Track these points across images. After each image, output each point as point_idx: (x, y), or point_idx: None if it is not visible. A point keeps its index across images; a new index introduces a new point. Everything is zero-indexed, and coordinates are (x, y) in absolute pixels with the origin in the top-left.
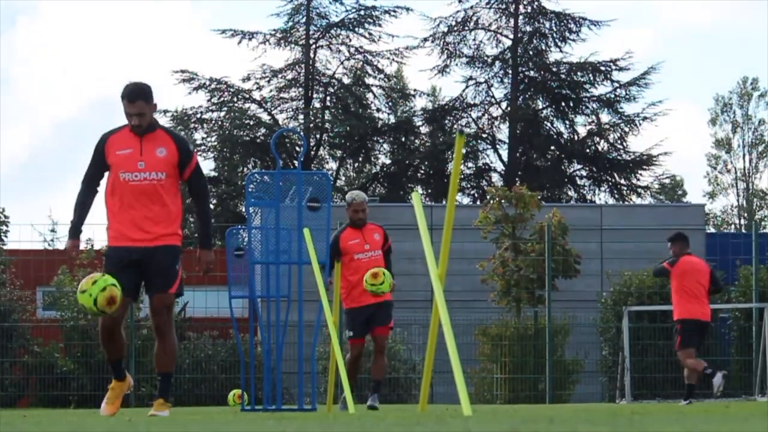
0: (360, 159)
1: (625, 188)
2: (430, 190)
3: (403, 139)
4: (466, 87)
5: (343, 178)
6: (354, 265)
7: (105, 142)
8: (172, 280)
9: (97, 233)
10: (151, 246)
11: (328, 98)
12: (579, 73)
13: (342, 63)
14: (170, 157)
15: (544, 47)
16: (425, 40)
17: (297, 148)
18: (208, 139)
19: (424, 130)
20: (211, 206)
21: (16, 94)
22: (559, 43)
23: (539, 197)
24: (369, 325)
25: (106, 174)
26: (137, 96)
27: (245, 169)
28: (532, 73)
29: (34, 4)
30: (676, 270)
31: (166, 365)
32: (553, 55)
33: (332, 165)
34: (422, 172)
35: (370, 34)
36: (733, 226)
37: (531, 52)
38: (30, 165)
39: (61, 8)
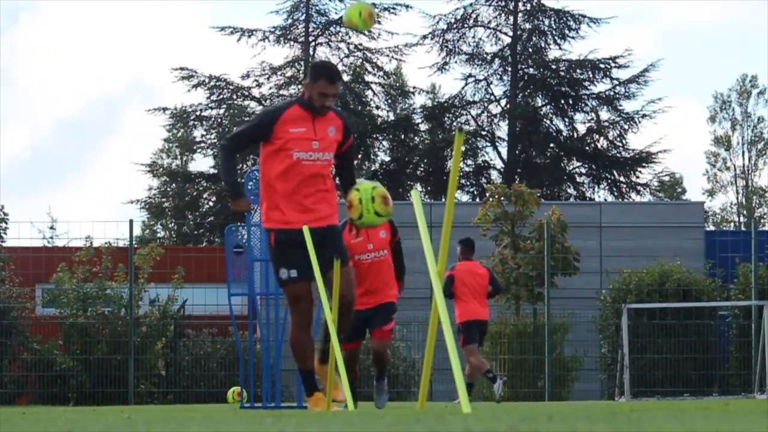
0: (359, 156)
1: (625, 186)
2: (429, 188)
3: (403, 137)
4: (466, 84)
5: None
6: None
7: (279, 116)
8: (347, 255)
9: (96, 230)
10: (323, 226)
11: None
12: (578, 71)
13: (341, 60)
14: (337, 136)
15: (543, 45)
16: (425, 37)
17: None
18: (208, 136)
19: (423, 127)
20: (211, 202)
21: (17, 92)
22: (558, 41)
23: (538, 195)
24: (367, 327)
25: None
26: (337, 76)
27: (245, 167)
28: (531, 70)
29: (37, 3)
30: (454, 274)
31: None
32: (553, 53)
33: None
34: (422, 169)
35: (369, 31)
36: (732, 224)
37: (530, 50)
38: (30, 163)
39: (64, 6)
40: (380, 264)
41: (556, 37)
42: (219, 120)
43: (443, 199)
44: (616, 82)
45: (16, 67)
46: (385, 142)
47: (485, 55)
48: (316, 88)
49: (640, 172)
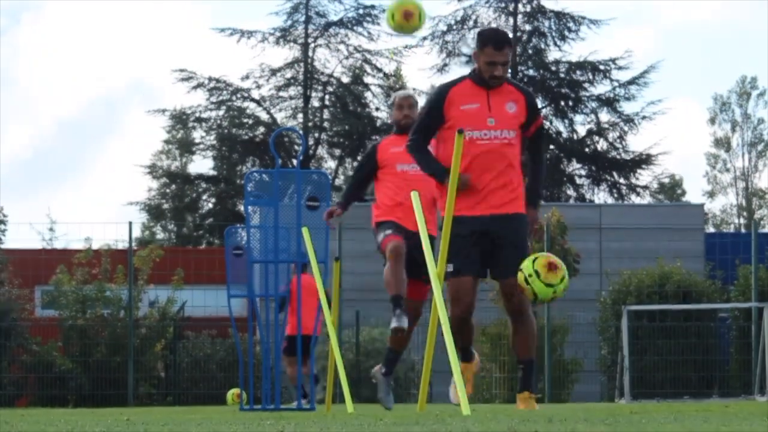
0: (359, 158)
1: (625, 187)
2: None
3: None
4: None
5: (342, 177)
6: (396, 180)
7: (446, 93)
8: (527, 251)
9: (95, 232)
10: (498, 214)
11: (327, 97)
12: (578, 72)
13: (341, 62)
14: (519, 114)
15: (543, 46)
16: (424, 38)
17: (296, 147)
18: (207, 137)
19: None
20: (211, 204)
21: (18, 93)
22: (558, 42)
23: None
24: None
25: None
26: (505, 42)
27: (244, 168)
28: (531, 72)
29: (39, 3)
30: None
31: (528, 350)
32: (553, 54)
33: (331, 164)
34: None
35: (369, 32)
36: (732, 226)
37: (530, 51)
38: (30, 164)
39: (66, 7)
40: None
41: (556, 39)
42: (218, 121)
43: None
44: (616, 83)
45: (18, 67)
46: None
47: None
48: (483, 57)
49: (640, 173)
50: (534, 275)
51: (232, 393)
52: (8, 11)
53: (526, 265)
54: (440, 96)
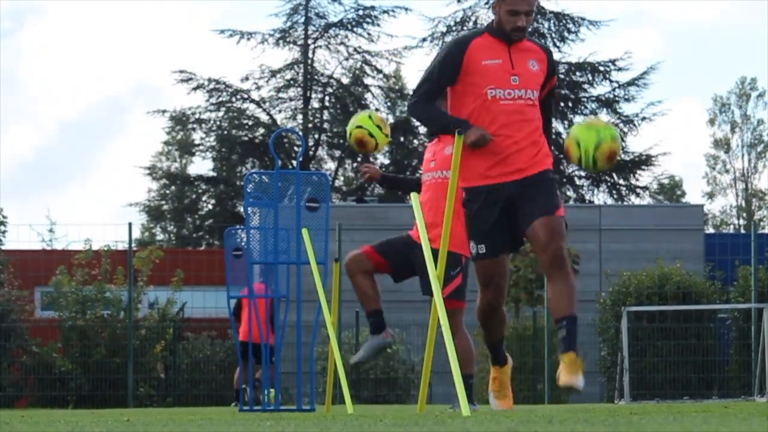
0: (359, 159)
1: (624, 188)
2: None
3: (402, 139)
4: None
5: (342, 179)
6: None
7: (467, 45)
8: (558, 203)
9: (95, 233)
10: (520, 178)
11: (327, 98)
12: (578, 73)
13: (341, 63)
14: (541, 73)
15: None
16: (424, 40)
17: (296, 148)
18: (207, 139)
19: (422, 130)
20: (211, 205)
21: (20, 94)
22: (558, 43)
23: None
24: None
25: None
26: None
27: (244, 169)
28: None
29: (44, 4)
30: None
31: (569, 305)
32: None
33: (331, 165)
34: (421, 172)
35: (368, 34)
36: (732, 227)
37: None
38: (30, 165)
39: (68, 9)
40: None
41: (556, 40)
42: (218, 123)
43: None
44: (615, 84)
45: (20, 68)
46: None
47: None
48: (504, 6)
49: (639, 174)
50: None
51: (270, 392)
52: (11, 14)
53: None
54: (460, 47)
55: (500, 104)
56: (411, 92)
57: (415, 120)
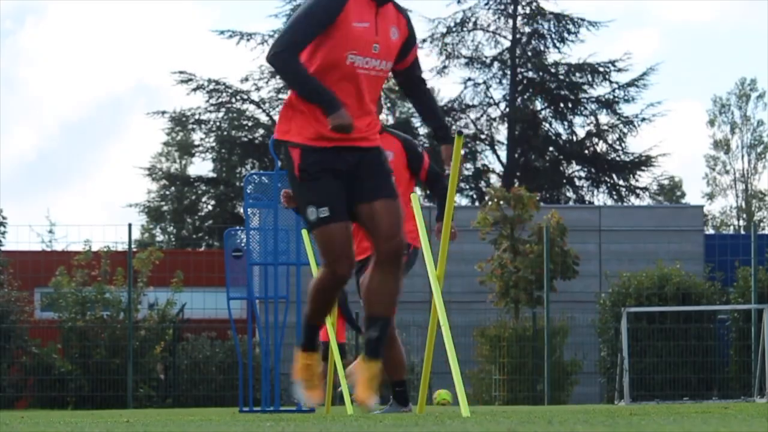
0: None
1: (624, 189)
2: (428, 191)
3: None
4: (465, 88)
5: None
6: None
7: (346, 1)
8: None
9: (95, 234)
10: (363, 146)
11: None
12: (578, 74)
13: None
14: (398, 43)
15: (542, 48)
16: (424, 40)
17: None
18: (207, 140)
19: (422, 131)
20: (210, 206)
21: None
22: (557, 44)
23: (538, 198)
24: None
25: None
26: None
27: (243, 170)
28: (530, 74)
29: (44, 4)
30: None
31: (388, 308)
32: (552, 56)
33: None
34: None
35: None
36: (731, 227)
37: (529, 53)
38: (31, 166)
39: (69, 9)
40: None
41: (556, 41)
42: (218, 123)
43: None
44: (615, 85)
45: (21, 69)
46: None
47: (484, 59)
48: None
49: (639, 175)
50: None
51: (438, 394)
52: (12, 14)
53: None
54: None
55: (356, 72)
56: (273, 40)
57: (276, 71)
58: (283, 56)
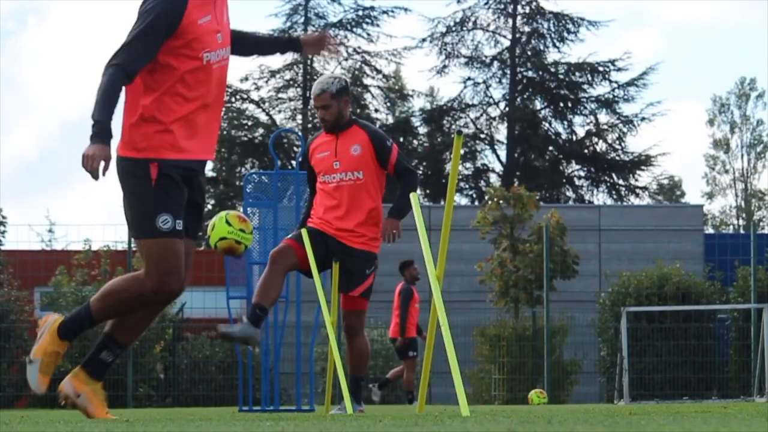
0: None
1: (624, 189)
2: (428, 191)
3: (401, 140)
4: (465, 87)
5: None
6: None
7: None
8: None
9: (95, 233)
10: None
11: None
12: (577, 74)
13: (340, 63)
14: (227, 18)
15: (542, 48)
16: (423, 40)
17: (295, 149)
18: None
19: (422, 130)
20: (210, 205)
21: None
22: (557, 44)
23: (537, 198)
24: (327, 259)
25: None
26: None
27: (243, 170)
28: (530, 73)
29: (46, 4)
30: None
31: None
32: (552, 56)
33: None
34: (420, 172)
35: (368, 34)
36: (731, 227)
37: (529, 53)
38: (31, 166)
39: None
40: (353, 189)
41: (555, 40)
42: None
43: (442, 203)
44: (615, 85)
45: (22, 69)
46: None
47: (484, 58)
48: None
49: (639, 175)
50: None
51: (534, 393)
52: (13, 14)
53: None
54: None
55: (212, 70)
56: (120, 46)
57: (102, 76)
58: (116, 73)
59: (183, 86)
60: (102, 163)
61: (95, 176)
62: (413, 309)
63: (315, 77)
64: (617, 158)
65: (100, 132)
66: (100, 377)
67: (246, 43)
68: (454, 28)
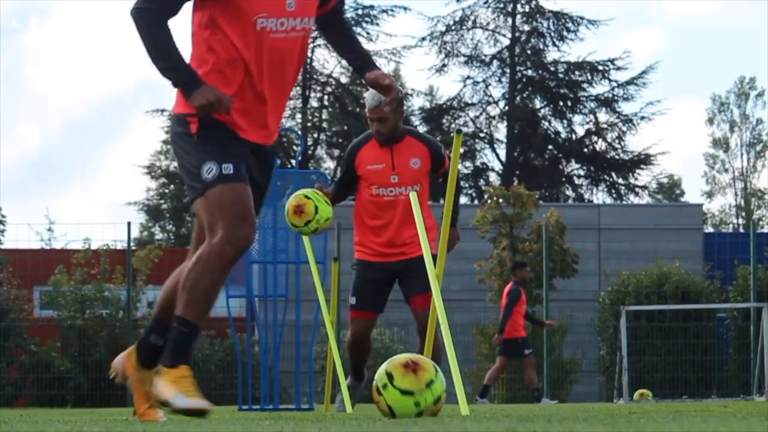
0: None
1: (623, 188)
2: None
3: None
4: (464, 86)
5: None
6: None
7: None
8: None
9: (94, 232)
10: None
11: (326, 97)
12: (577, 73)
13: (340, 62)
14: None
15: (541, 46)
16: (423, 39)
17: (294, 147)
18: None
19: (422, 129)
20: None
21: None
22: (557, 43)
23: (537, 196)
24: (401, 290)
25: None
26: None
27: None
28: (530, 72)
29: (48, 3)
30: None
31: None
32: (551, 55)
33: (330, 164)
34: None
35: (368, 33)
36: (731, 226)
37: (529, 52)
38: (32, 165)
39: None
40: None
41: (555, 39)
42: None
43: (442, 202)
44: (614, 84)
45: (24, 68)
46: None
47: (484, 57)
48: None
49: (638, 174)
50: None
51: (638, 393)
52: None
53: (380, 374)
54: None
55: (270, 38)
56: None
57: (136, 28)
58: (150, 16)
59: (232, 53)
60: (221, 95)
61: (228, 110)
62: (521, 309)
63: (314, 76)
64: (617, 157)
65: (189, 78)
66: (150, 363)
67: (335, 33)
68: (453, 27)
